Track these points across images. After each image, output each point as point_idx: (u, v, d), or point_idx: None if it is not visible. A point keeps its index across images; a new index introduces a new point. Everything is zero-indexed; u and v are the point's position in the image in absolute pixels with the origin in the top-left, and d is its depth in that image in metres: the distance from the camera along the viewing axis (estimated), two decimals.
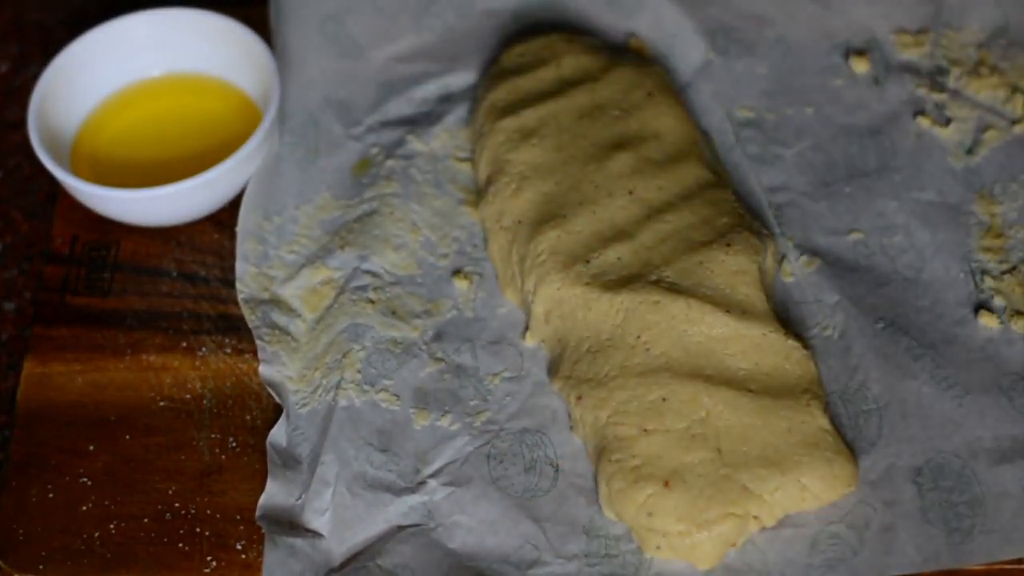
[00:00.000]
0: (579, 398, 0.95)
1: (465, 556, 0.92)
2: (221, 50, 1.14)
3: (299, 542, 0.93)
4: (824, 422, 0.93)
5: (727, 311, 0.96)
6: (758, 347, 0.95)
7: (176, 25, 1.14)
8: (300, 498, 0.95)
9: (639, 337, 0.96)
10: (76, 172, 1.08)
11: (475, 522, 0.93)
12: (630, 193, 1.03)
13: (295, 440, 0.97)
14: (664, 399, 0.93)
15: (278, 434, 0.97)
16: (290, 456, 0.97)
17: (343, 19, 1.19)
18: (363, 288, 1.03)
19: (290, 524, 0.94)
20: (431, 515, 0.94)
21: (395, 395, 0.99)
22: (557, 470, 0.95)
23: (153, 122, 1.13)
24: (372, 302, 1.03)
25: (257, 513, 0.94)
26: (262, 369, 1.00)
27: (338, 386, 0.99)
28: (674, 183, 1.03)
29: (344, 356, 1.00)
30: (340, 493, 0.94)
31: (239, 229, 1.07)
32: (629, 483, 0.91)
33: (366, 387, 0.99)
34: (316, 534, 0.93)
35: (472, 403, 0.98)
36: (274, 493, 0.95)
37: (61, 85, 1.11)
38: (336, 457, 0.95)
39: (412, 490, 0.95)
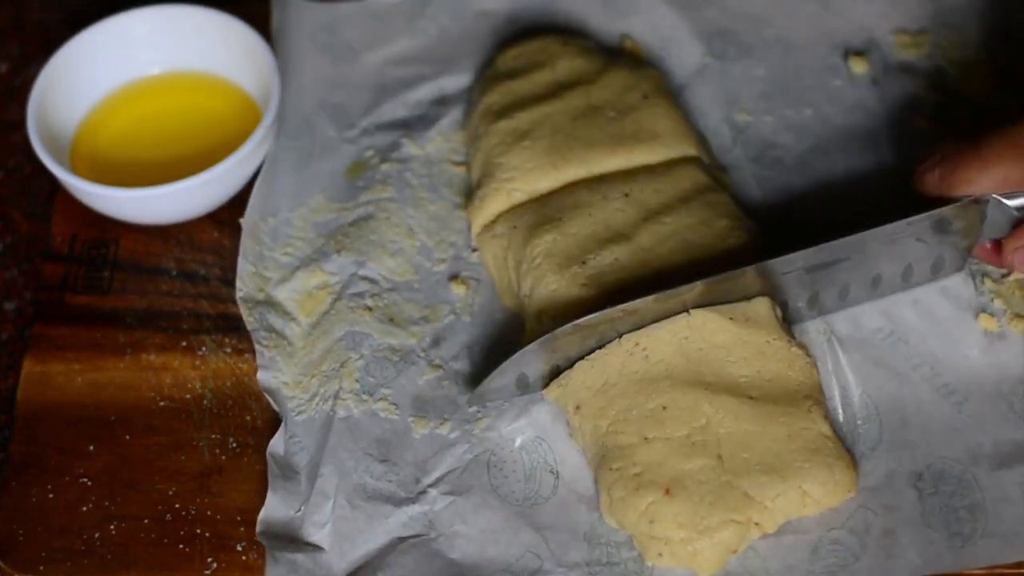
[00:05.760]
0: (578, 407, 0.95)
1: (467, 566, 0.92)
2: (221, 48, 1.14)
3: (300, 557, 0.92)
4: (825, 428, 0.93)
5: (730, 318, 0.96)
6: (761, 354, 0.95)
7: (176, 23, 1.14)
8: (300, 510, 0.94)
9: (637, 344, 0.96)
10: (76, 171, 1.08)
11: (476, 531, 0.93)
12: (625, 195, 1.02)
13: (292, 449, 0.97)
14: (664, 407, 0.93)
15: (276, 444, 0.97)
16: (288, 466, 0.96)
17: (337, 24, 1.19)
18: (360, 295, 1.03)
19: (291, 538, 0.93)
20: (432, 525, 0.93)
21: (394, 404, 0.98)
22: (557, 477, 0.95)
23: (153, 121, 1.13)
24: (370, 309, 1.03)
25: (258, 529, 0.94)
26: (260, 376, 1.00)
27: (336, 396, 0.98)
28: (671, 186, 1.03)
29: (342, 365, 1.00)
30: (340, 505, 0.94)
31: (244, 223, 1.06)
32: (630, 491, 0.90)
33: (364, 396, 0.99)
34: (317, 548, 0.93)
35: (471, 410, 0.98)
36: (274, 506, 0.95)
37: (60, 83, 1.10)
38: (335, 469, 0.95)
39: (412, 500, 0.94)
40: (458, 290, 1.04)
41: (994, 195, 0.96)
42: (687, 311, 0.95)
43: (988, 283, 1.01)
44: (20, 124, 1.16)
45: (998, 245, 0.98)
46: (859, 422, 0.96)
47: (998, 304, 1.00)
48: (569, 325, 0.94)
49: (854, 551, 0.90)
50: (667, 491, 0.90)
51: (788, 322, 0.99)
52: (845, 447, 0.93)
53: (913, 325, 1.00)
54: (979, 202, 0.96)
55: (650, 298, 0.95)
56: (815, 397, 0.94)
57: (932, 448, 0.94)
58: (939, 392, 0.96)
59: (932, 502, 0.92)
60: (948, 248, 0.99)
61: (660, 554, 0.90)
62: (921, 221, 0.96)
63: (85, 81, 1.12)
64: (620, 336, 0.95)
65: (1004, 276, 1.01)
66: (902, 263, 0.99)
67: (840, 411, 0.96)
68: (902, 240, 0.97)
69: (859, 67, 1.14)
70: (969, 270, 1.02)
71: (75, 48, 1.11)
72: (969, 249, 0.99)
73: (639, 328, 0.95)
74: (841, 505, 0.92)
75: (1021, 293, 1.01)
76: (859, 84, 1.14)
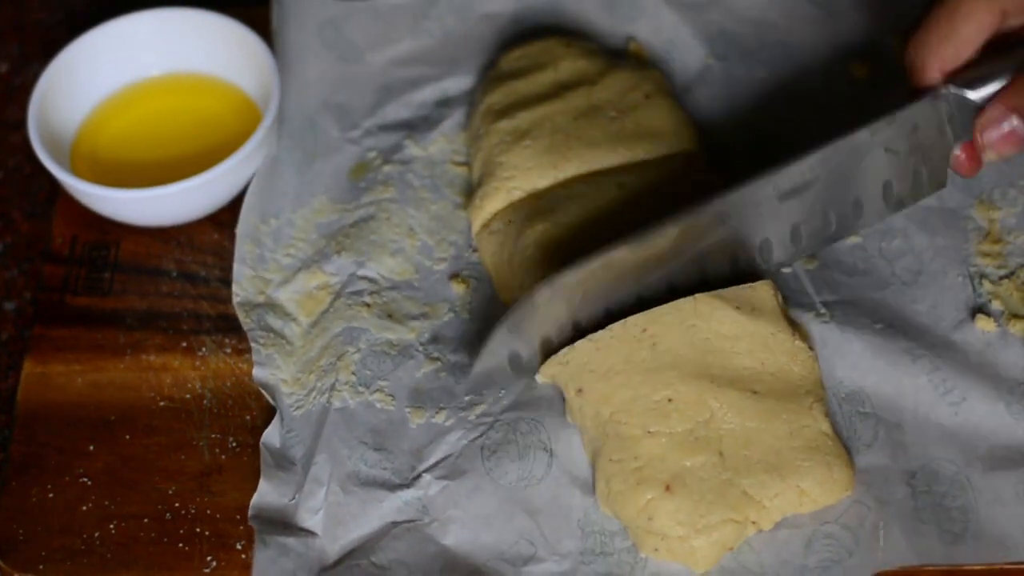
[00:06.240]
0: (580, 390, 0.94)
1: (460, 553, 0.92)
2: (221, 50, 1.14)
3: (291, 541, 0.92)
4: (826, 426, 0.93)
5: (736, 307, 0.95)
6: (765, 346, 0.94)
7: (176, 25, 1.14)
8: (294, 498, 0.95)
9: (645, 330, 0.95)
10: (76, 172, 1.08)
11: (469, 517, 0.93)
12: (620, 186, 1.03)
13: (289, 442, 0.97)
14: (670, 400, 0.92)
15: (271, 435, 0.97)
16: (284, 457, 0.97)
17: (342, 23, 1.19)
18: (359, 293, 1.03)
19: (284, 524, 0.94)
20: (426, 510, 0.93)
21: (390, 395, 0.98)
22: (551, 455, 0.95)
23: (153, 122, 1.13)
24: (368, 306, 1.03)
25: (250, 513, 0.94)
26: (256, 372, 1.00)
27: (332, 388, 0.98)
28: (666, 173, 1.03)
29: (339, 359, 1.00)
30: (334, 491, 0.94)
31: (238, 231, 1.07)
32: (630, 485, 0.90)
33: (361, 388, 0.99)
34: (310, 533, 0.93)
35: (467, 398, 0.98)
36: (267, 492, 0.95)
37: (61, 85, 1.11)
38: (329, 456, 0.95)
39: (407, 485, 0.94)
40: (458, 288, 1.04)
41: (952, 88, 0.95)
42: (693, 296, 0.95)
43: (986, 284, 1.01)
44: (20, 124, 1.16)
45: (971, 148, 0.96)
46: (855, 419, 0.96)
47: (996, 305, 1.00)
48: (543, 283, 0.93)
49: (847, 546, 0.90)
50: (667, 487, 0.90)
51: (779, 267, 0.99)
52: (843, 444, 0.93)
53: (912, 324, 1.00)
54: (937, 98, 0.95)
55: (623, 247, 0.94)
56: (816, 393, 0.94)
57: (927, 447, 0.94)
58: (936, 392, 0.96)
59: (925, 501, 0.92)
60: (922, 159, 0.98)
61: (656, 549, 0.90)
62: (883, 126, 0.96)
63: (86, 83, 1.13)
64: (610, 310, 0.95)
65: (1002, 278, 1.02)
66: (878, 181, 0.98)
67: (837, 407, 0.96)
68: (871, 152, 0.96)
69: (861, 71, 1.14)
70: (967, 271, 1.02)
71: (76, 50, 1.12)
72: (945, 158, 0.98)
73: (621, 285, 0.95)
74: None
75: (1019, 294, 1.01)
76: (860, 88, 1.14)
